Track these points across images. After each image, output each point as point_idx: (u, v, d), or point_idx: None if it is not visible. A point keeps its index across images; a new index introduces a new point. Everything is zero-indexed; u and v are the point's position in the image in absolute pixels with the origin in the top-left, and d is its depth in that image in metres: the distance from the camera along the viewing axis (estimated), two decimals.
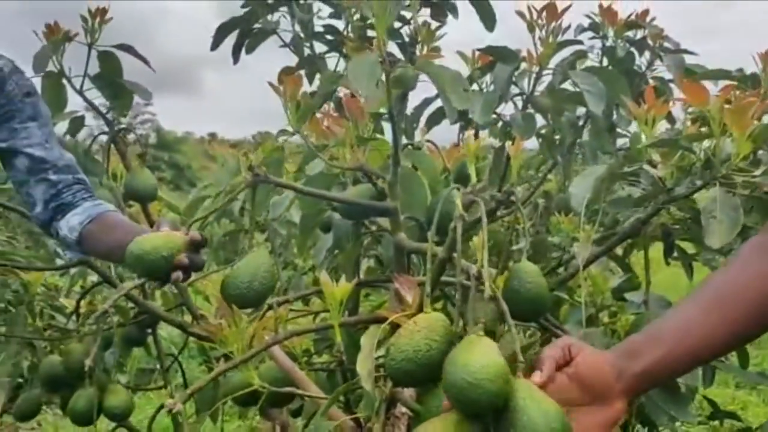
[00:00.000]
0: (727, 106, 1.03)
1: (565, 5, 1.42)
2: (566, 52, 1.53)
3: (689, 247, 1.49)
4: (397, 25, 1.58)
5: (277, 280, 1.03)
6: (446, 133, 1.65)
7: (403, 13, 1.51)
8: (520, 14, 1.43)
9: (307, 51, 1.74)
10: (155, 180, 1.72)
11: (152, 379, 2.14)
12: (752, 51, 1.44)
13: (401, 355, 0.77)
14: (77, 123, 1.67)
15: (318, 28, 1.73)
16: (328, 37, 1.71)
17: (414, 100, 1.62)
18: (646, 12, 1.62)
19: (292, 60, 1.75)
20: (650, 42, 1.60)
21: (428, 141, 1.48)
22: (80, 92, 1.59)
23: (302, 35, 1.73)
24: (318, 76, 1.69)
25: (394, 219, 1.18)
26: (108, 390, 1.57)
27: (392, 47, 1.60)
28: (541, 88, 1.49)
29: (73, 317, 1.79)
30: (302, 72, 1.69)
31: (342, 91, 1.34)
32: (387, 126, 1.36)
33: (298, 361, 1.23)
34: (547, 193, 1.93)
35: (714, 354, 0.81)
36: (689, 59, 1.58)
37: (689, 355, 0.78)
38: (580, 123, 1.56)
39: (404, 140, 1.52)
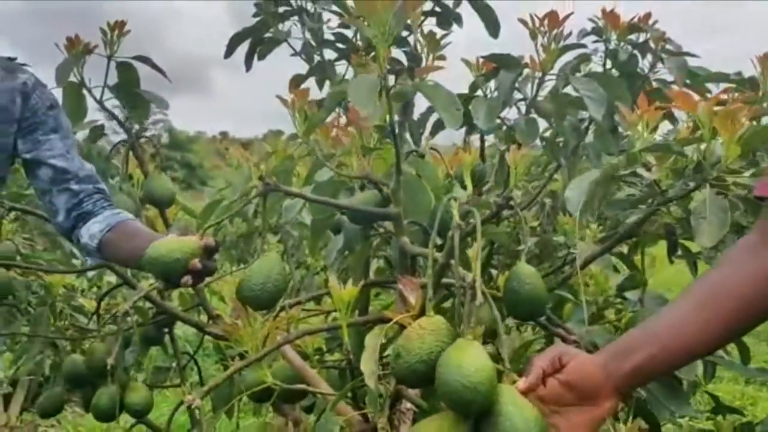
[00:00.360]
0: (717, 108, 1.06)
1: (566, 12, 1.44)
2: (570, 55, 1.54)
3: (693, 246, 1.51)
4: (404, 33, 1.62)
5: (289, 282, 1.07)
6: (454, 135, 1.68)
7: (410, 21, 1.55)
8: (523, 22, 1.45)
9: (317, 58, 1.78)
10: (172, 185, 1.77)
11: (168, 377, 2.18)
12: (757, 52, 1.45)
13: (415, 357, 0.80)
14: (97, 132, 1.73)
15: (328, 35, 1.77)
16: (338, 45, 1.75)
17: (420, 106, 1.67)
18: (648, 15, 1.64)
19: (302, 62, 1.80)
20: (652, 45, 1.61)
21: (432, 149, 1.51)
22: (100, 102, 1.65)
23: (313, 43, 1.77)
24: (327, 83, 1.74)
25: (398, 224, 1.22)
26: (129, 387, 1.61)
27: (399, 54, 1.64)
28: (544, 92, 1.51)
29: (94, 317, 1.83)
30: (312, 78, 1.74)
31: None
32: None
33: (309, 359, 1.26)
34: (553, 192, 1.94)
35: (708, 349, 0.84)
36: (692, 61, 1.59)
37: (683, 350, 0.81)
38: (583, 126, 1.59)
39: (411, 146, 1.56)
